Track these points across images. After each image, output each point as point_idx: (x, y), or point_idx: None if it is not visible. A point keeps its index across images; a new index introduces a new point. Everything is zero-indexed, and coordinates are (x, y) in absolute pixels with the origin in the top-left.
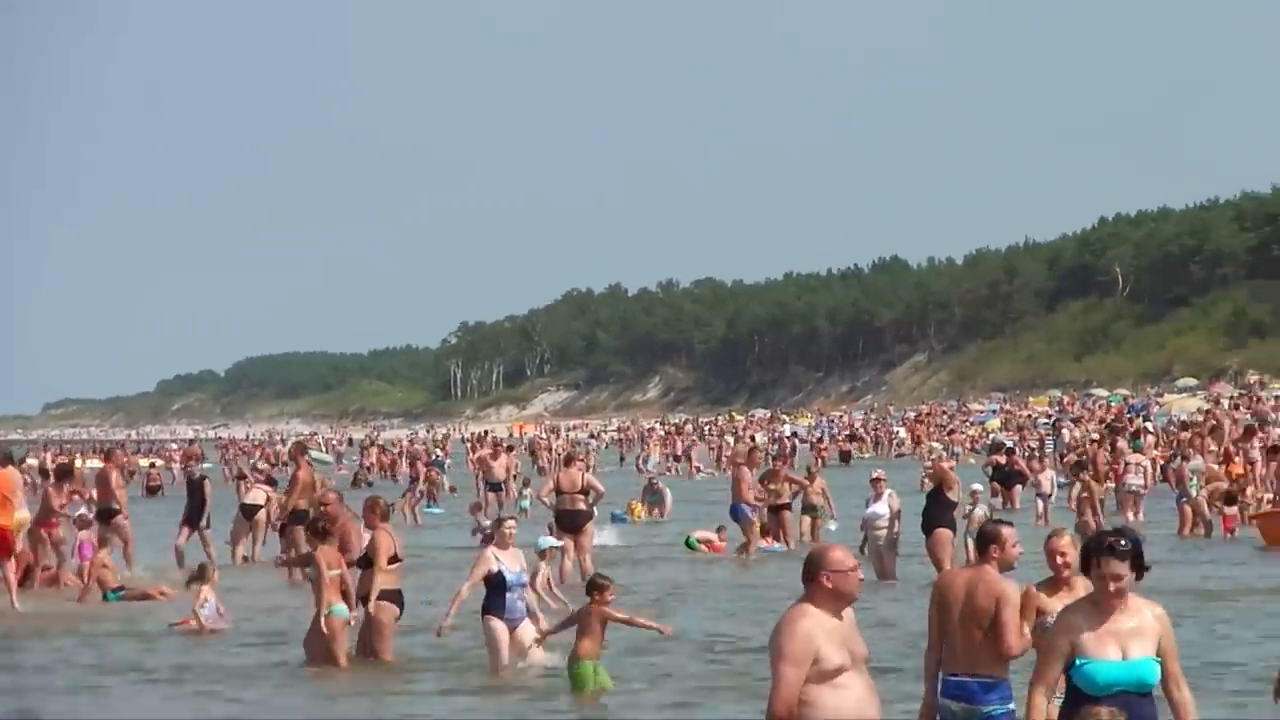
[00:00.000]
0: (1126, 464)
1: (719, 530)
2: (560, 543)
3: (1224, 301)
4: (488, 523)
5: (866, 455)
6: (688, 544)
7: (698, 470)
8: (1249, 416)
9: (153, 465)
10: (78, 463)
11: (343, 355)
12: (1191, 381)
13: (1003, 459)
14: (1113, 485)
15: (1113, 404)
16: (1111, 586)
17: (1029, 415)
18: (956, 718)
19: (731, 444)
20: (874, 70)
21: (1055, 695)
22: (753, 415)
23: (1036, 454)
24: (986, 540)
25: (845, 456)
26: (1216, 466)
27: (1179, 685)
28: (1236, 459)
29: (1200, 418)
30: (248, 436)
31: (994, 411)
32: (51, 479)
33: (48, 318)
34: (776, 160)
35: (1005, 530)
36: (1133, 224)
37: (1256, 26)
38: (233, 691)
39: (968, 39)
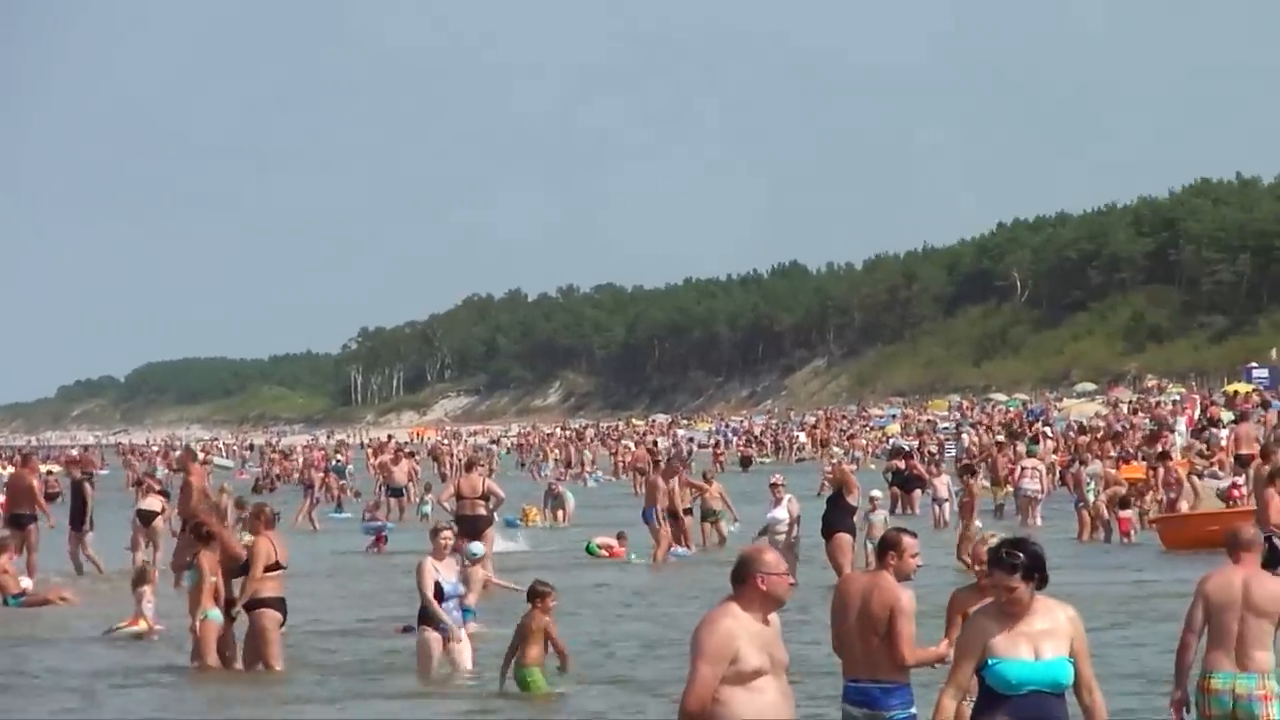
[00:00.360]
0: (1023, 469)
1: (619, 536)
2: (483, 550)
3: (1122, 306)
4: (381, 523)
5: (767, 460)
6: (588, 550)
7: (588, 473)
8: (1148, 421)
9: (50, 472)
10: None
11: (243, 361)
12: (1090, 386)
13: (902, 464)
14: (1012, 490)
15: (1011, 409)
16: (1004, 597)
17: (928, 420)
18: None
19: (631, 449)
20: (770, 76)
21: (969, 697)
22: (653, 420)
23: (935, 459)
24: (886, 547)
25: (745, 462)
26: (1115, 471)
27: (1091, 689)
28: (1140, 463)
29: (1099, 423)
30: (147, 442)
31: (893, 416)
32: None
33: None
34: (675, 166)
35: (907, 539)
36: (1031, 229)
37: (1154, 34)
38: (114, 696)
39: (863, 42)
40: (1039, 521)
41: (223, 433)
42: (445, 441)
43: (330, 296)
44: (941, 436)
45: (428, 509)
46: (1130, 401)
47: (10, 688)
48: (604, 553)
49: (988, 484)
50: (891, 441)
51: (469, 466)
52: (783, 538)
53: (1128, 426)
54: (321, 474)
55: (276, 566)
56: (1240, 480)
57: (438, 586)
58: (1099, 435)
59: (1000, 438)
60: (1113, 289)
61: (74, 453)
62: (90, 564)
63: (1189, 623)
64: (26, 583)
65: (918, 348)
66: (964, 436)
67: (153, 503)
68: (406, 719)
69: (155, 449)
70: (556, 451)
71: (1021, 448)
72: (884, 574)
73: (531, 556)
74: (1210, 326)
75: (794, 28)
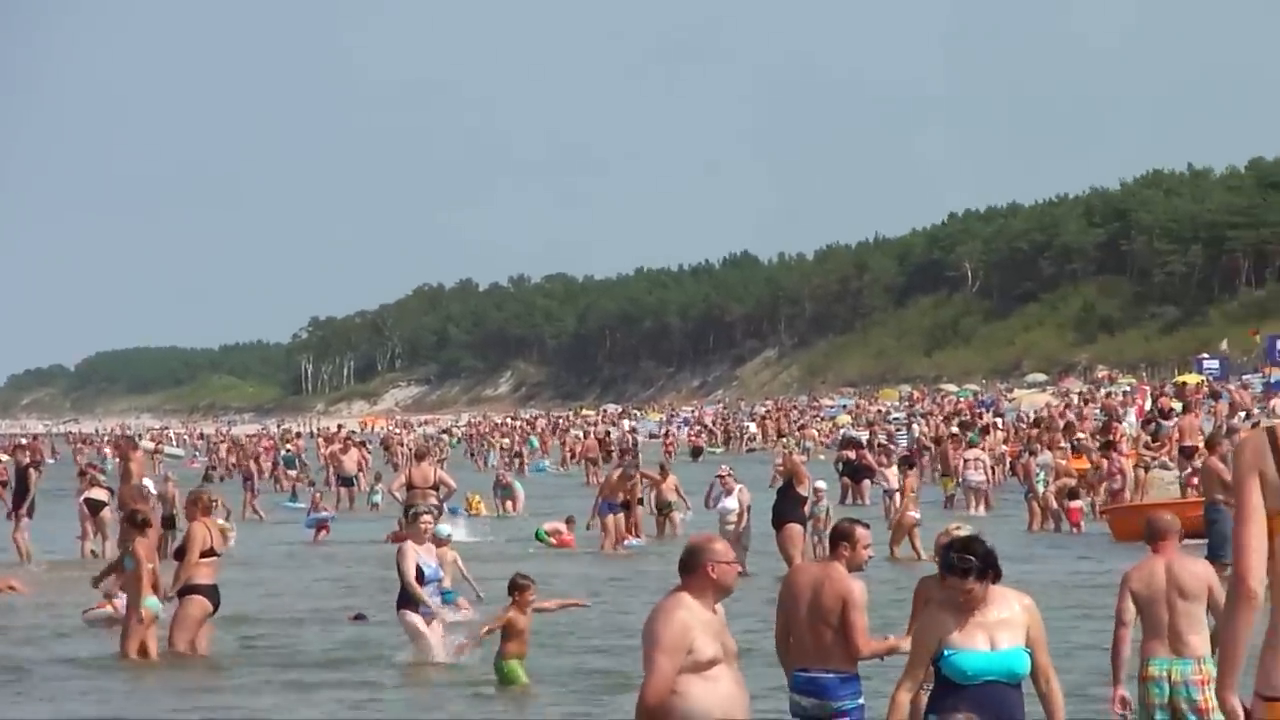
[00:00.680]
0: (966, 460)
1: (568, 521)
2: (450, 531)
3: (1073, 297)
4: (326, 513)
5: (717, 450)
6: (538, 536)
7: (527, 464)
8: (1099, 411)
9: None
10: None
11: (193, 350)
12: (1041, 376)
13: (852, 454)
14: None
15: (962, 399)
16: (961, 598)
17: (879, 410)
18: (807, 712)
19: (582, 439)
20: (719, 66)
21: (925, 685)
22: (604, 410)
23: (886, 450)
24: (839, 538)
25: (696, 452)
26: (1065, 462)
27: (1047, 678)
28: (1095, 454)
29: (1048, 414)
30: (97, 431)
31: (844, 407)
32: None
33: None
34: (627, 156)
35: (860, 530)
36: (982, 220)
37: (1106, 26)
38: (48, 688)
39: (818, 32)
40: (983, 511)
41: (173, 422)
42: (396, 431)
43: (281, 286)
44: (892, 427)
45: (378, 498)
46: (1081, 392)
47: None
48: (553, 540)
49: (934, 476)
50: (842, 432)
51: (421, 456)
52: (733, 528)
53: (1077, 417)
54: (271, 464)
55: (211, 553)
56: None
57: (419, 570)
58: (1049, 426)
59: (954, 429)
60: (1064, 279)
61: (22, 441)
62: (17, 550)
63: (1119, 618)
64: None
65: (869, 338)
66: (914, 427)
67: (99, 493)
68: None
69: (104, 438)
70: (505, 441)
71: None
72: (835, 565)
73: (481, 546)
74: (1161, 317)
75: (746, 22)
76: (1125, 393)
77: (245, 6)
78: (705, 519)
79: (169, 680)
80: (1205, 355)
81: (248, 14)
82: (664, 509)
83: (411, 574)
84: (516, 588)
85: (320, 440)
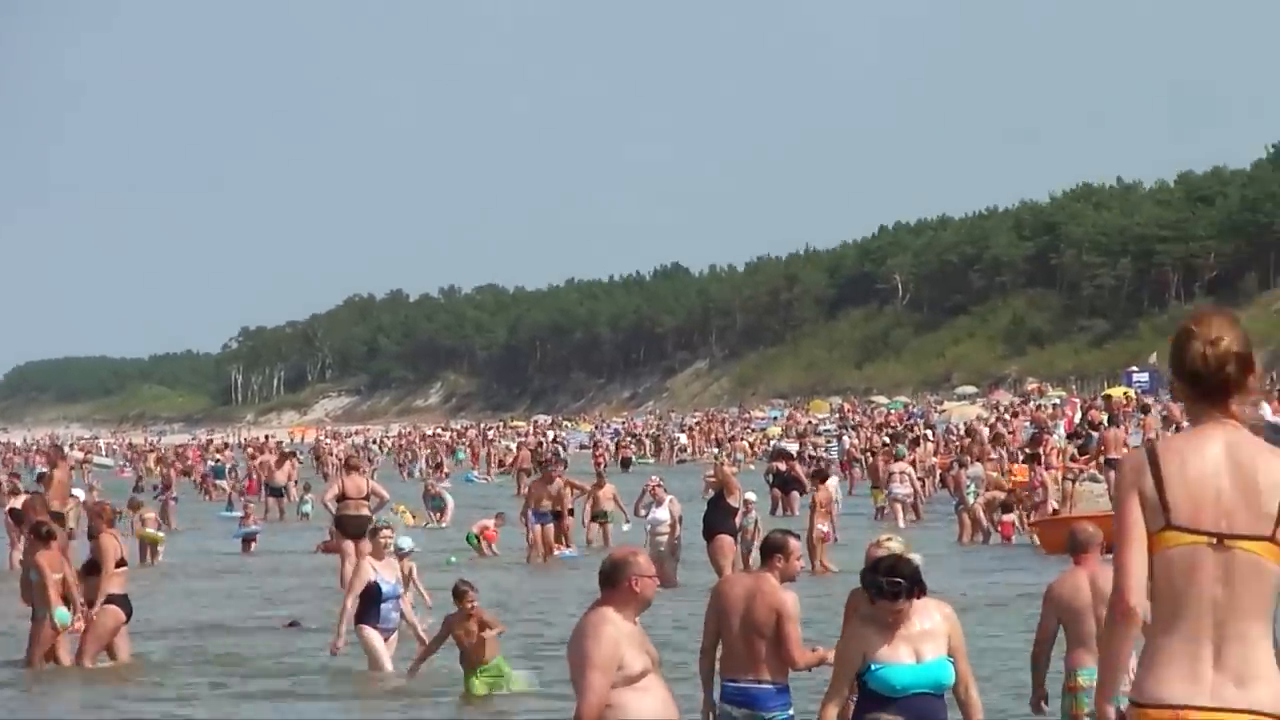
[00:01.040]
0: (893, 473)
1: (497, 517)
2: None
3: (1003, 309)
4: (255, 527)
5: (648, 461)
6: (468, 540)
7: (446, 474)
8: (1029, 424)
9: None
10: None
11: (123, 360)
12: (971, 389)
13: (783, 466)
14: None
15: (893, 411)
16: (890, 618)
17: (810, 422)
18: None
19: (513, 450)
20: (650, 79)
21: (850, 695)
22: (535, 421)
23: (826, 463)
24: (772, 549)
25: (625, 463)
26: (996, 474)
27: (967, 685)
28: (1021, 466)
29: (980, 426)
30: (25, 441)
31: (775, 418)
32: None
33: None
34: (557, 167)
35: (793, 542)
36: (912, 232)
37: (1036, 40)
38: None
39: (746, 46)
40: (909, 523)
41: (103, 432)
42: (327, 441)
43: (211, 295)
44: (822, 439)
45: (308, 508)
46: (1010, 405)
47: None
48: (483, 538)
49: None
50: (773, 443)
51: (353, 467)
52: (665, 539)
53: (1005, 430)
54: (201, 475)
55: (122, 563)
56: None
57: (375, 587)
58: (978, 439)
59: (886, 440)
60: (994, 292)
61: None
62: None
63: (1041, 633)
64: None
65: (799, 350)
66: (845, 439)
67: (20, 501)
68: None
69: (34, 448)
70: (428, 451)
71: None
72: (768, 576)
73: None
74: (1091, 330)
75: (676, 31)
76: (1055, 405)
77: (179, 15)
78: (643, 530)
79: (97, 689)
80: (1135, 368)
81: (180, 23)
82: (600, 518)
83: (356, 590)
84: (457, 594)
85: (251, 450)
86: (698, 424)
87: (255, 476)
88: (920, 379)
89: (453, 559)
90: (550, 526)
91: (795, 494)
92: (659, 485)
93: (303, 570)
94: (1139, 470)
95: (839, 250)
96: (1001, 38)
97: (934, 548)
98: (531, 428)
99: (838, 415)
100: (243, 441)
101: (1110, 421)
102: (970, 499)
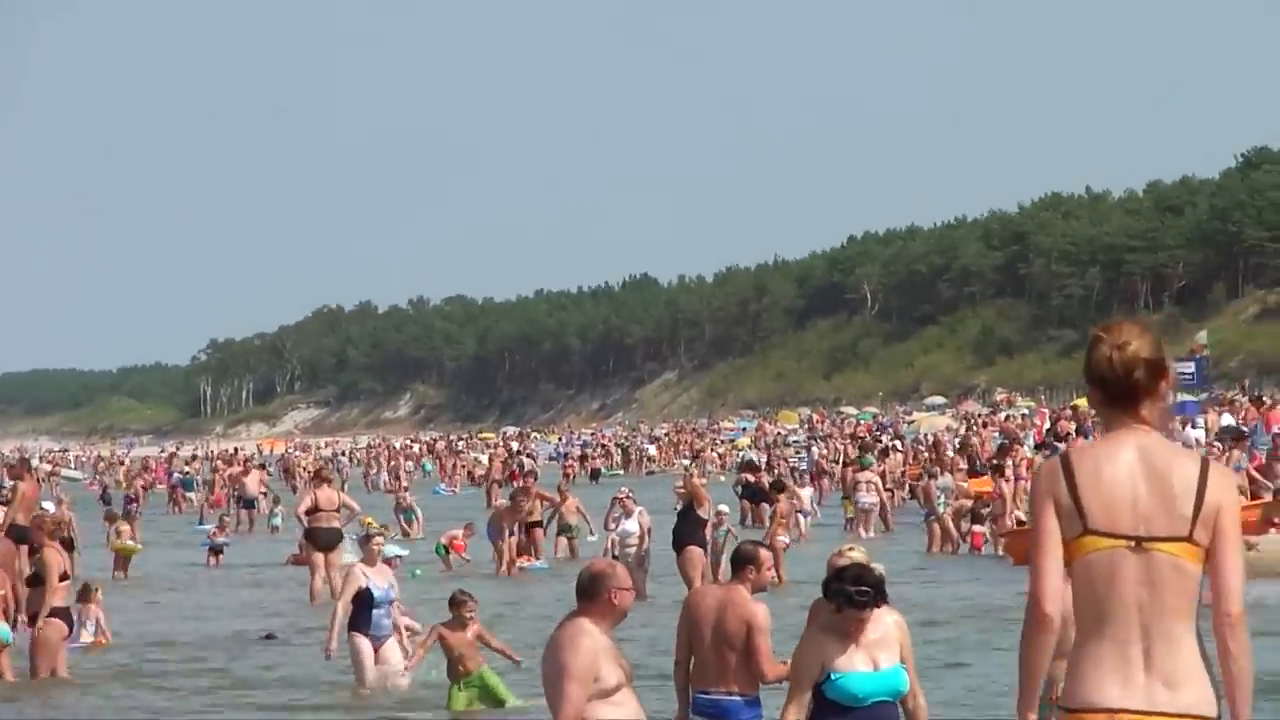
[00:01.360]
0: (859, 483)
1: (465, 527)
2: (405, 551)
3: (972, 320)
4: (223, 539)
5: (618, 473)
6: (437, 551)
7: (405, 489)
8: (997, 434)
9: None
10: None
11: (92, 372)
12: (940, 399)
13: (752, 477)
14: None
15: (862, 421)
16: (852, 626)
17: (779, 433)
18: None
19: (485, 463)
20: (619, 91)
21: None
22: (504, 432)
23: (800, 473)
24: (744, 561)
25: (595, 474)
26: (965, 484)
27: (914, 692)
28: (991, 477)
29: (943, 438)
30: None
31: (744, 429)
32: None
33: None
34: (526, 178)
35: (764, 553)
36: (881, 242)
37: (1003, 49)
38: None
39: (714, 57)
40: (872, 533)
41: (72, 444)
42: (296, 453)
43: (180, 308)
44: (791, 450)
45: (277, 520)
46: (979, 415)
47: None
48: (453, 547)
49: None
50: (741, 454)
51: (324, 479)
52: (634, 550)
53: (975, 440)
54: (171, 487)
55: (64, 577)
56: None
57: (368, 593)
58: (941, 452)
59: (857, 453)
60: (962, 302)
61: None
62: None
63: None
64: None
65: (768, 360)
66: (814, 449)
67: None
68: None
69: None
70: (392, 464)
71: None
72: (739, 588)
73: None
74: (1060, 340)
75: (641, 44)
76: (1024, 416)
77: (140, 23)
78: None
79: (70, 703)
80: None
81: (144, 32)
82: (566, 531)
83: (347, 597)
84: (456, 604)
85: (219, 462)
86: (666, 435)
87: (221, 489)
88: (889, 389)
89: (418, 571)
90: (514, 539)
91: (765, 505)
92: (628, 497)
93: (274, 583)
94: (1053, 478)
95: (808, 261)
96: (969, 48)
97: (904, 558)
98: (500, 439)
99: (807, 426)
100: (210, 454)
101: (1079, 432)
102: (940, 509)
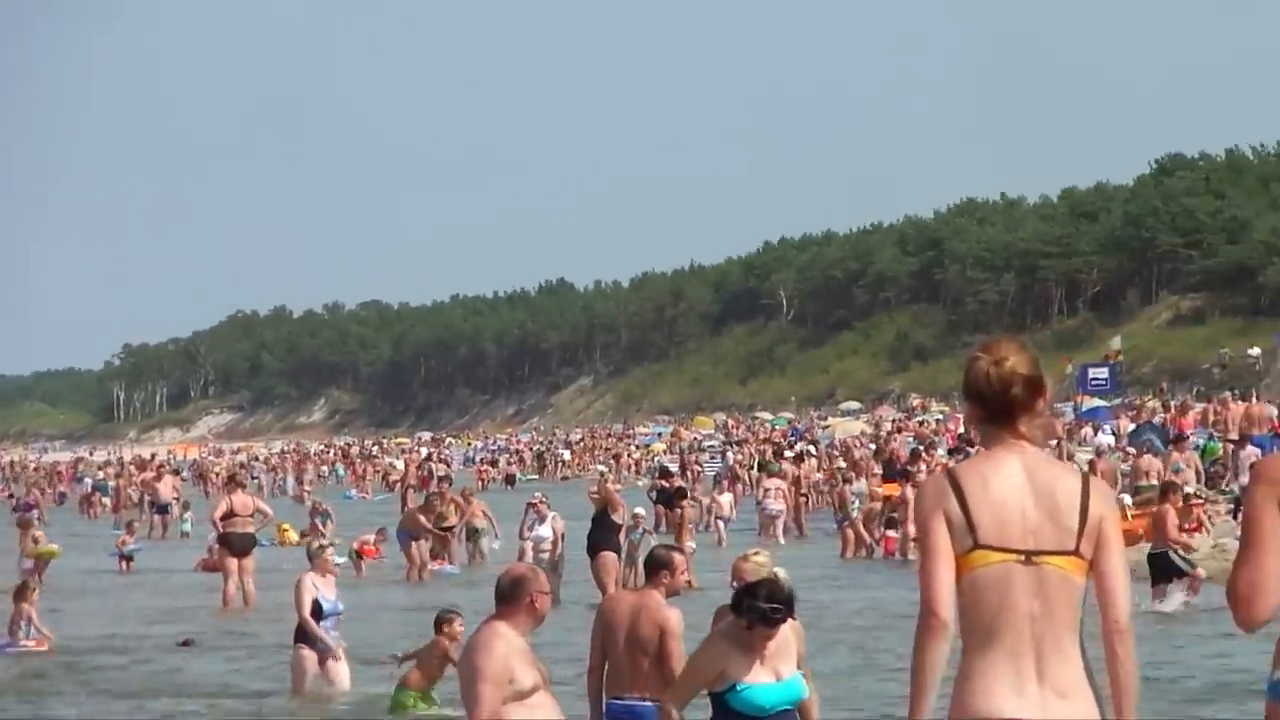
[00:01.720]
0: (766, 489)
1: (378, 532)
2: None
3: (887, 325)
4: (132, 545)
5: (532, 478)
6: (349, 556)
7: (307, 492)
8: (911, 439)
9: None
10: None
11: (4, 377)
12: (855, 405)
13: (667, 482)
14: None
15: (777, 427)
16: (760, 643)
17: (695, 438)
18: None
19: (400, 467)
20: (534, 91)
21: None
22: (418, 438)
23: (726, 476)
24: (659, 565)
25: (510, 480)
26: (880, 489)
27: (809, 700)
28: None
29: (854, 445)
30: None
31: (659, 434)
32: None
33: None
34: (441, 182)
35: (678, 557)
36: (797, 248)
37: (919, 56)
38: None
39: (628, 63)
40: (780, 539)
41: None
42: (210, 459)
43: (93, 312)
44: (705, 455)
45: (187, 526)
46: (894, 420)
47: None
48: (362, 553)
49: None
50: (656, 460)
51: (239, 484)
52: (547, 555)
53: (893, 444)
54: (83, 494)
55: None
56: None
57: (316, 604)
58: (852, 458)
59: (758, 460)
60: (878, 308)
61: None
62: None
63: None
64: None
65: (684, 366)
66: (729, 455)
67: None
68: None
69: None
70: (298, 469)
71: (787, 467)
72: (653, 593)
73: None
74: (974, 346)
75: (550, 47)
76: (938, 421)
77: (57, 25)
78: (514, 546)
79: None
80: None
81: (57, 35)
82: (472, 535)
83: (307, 608)
84: (443, 620)
85: (132, 467)
86: (581, 441)
87: (127, 494)
88: (805, 395)
89: None
90: (422, 543)
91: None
92: (542, 502)
93: (187, 588)
94: (941, 493)
95: (724, 266)
96: (882, 55)
97: (818, 564)
98: (415, 444)
99: (722, 431)
100: (123, 459)
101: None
102: (854, 514)
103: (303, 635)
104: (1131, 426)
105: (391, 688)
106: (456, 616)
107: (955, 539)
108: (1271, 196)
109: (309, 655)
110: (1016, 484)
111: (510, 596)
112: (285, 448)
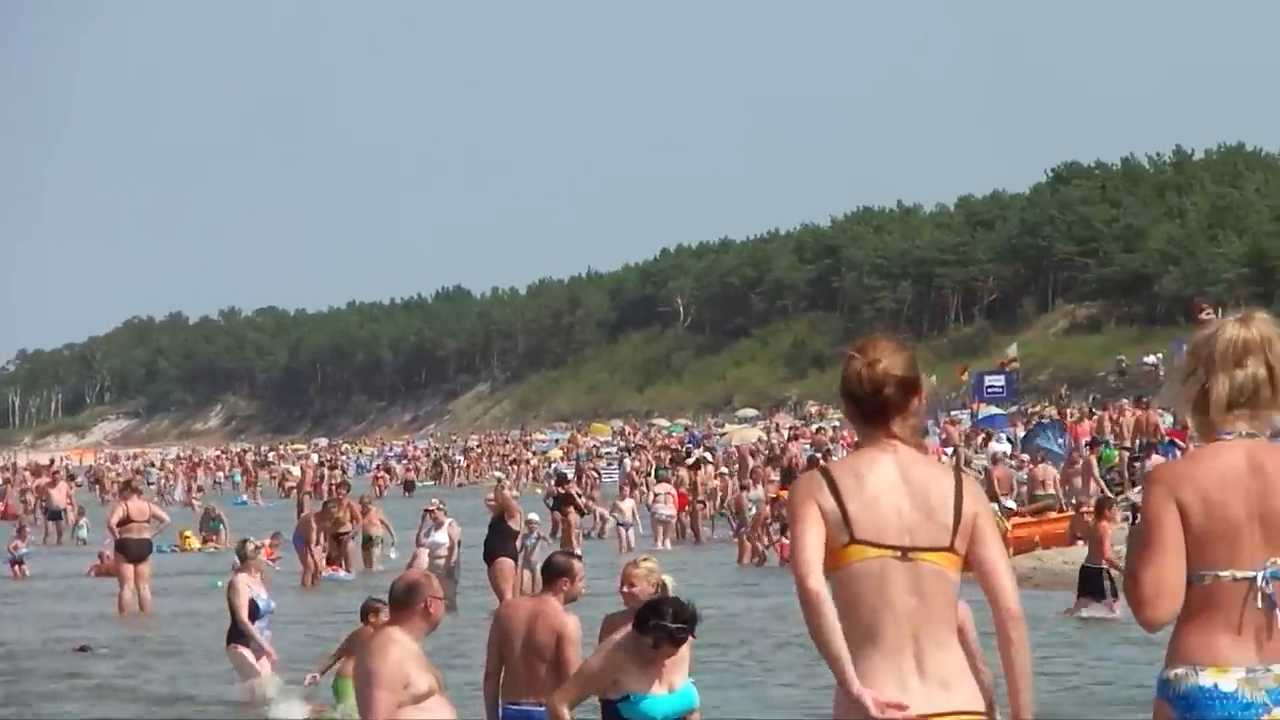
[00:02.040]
0: (656, 495)
1: (272, 537)
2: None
3: (784, 333)
4: (24, 549)
5: (428, 484)
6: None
7: (195, 499)
8: (808, 446)
9: None
10: None
11: None
12: (752, 412)
13: (563, 489)
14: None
15: (674, 434)
16: (660, 659)
17: (592, 445)
18: None
19: (297, 473)
20: (430, 98)
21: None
22: (315, 444)
23: (633, 483)
24: (558, 572)
25: (409, 486)
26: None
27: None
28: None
29: (746, 452)
30: None
31: (556, 441)
32: None
33: None
34: (337, 189)
35: (577, 564)
36: (694, 255)
37: (814, 64)
38: None
39: (525, 70)
40: (669, 545)
41: None
42: (106, 465)
43: None
44: (603, 462)
45: (83, 533)
46: (791, 427)
47: None
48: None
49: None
50: (553, 467)
51: (135, 490)
52: (443, 561)
53: (781, 451)
54: None
55: None
56: None
57: (253, 604)
58: (746, 465)
59: (652, 467)
60: (775, 315)
61: None
62: None
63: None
64: None
65: (581, 373)
66: (626, 462)
67: None
68: None
69: None
70: (189, 475)
71: (684, 473)
72: (550, 600)
73: (194, 579)
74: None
75: (449, 52)
76: (835, 428)
77: None
78: (410, 552)
79: None
80: None
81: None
82: (368, 542)
83: (244, 609)
84: (371, 610)
85: (26, 473)
86: (478, 447)
87: (14, 499)
88: (701, 401)
89: (219, 582)
90: (317, 549)
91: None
92: (439, 508)
93: (82, 594)
94: (816, 488)
95: (621, 273)
96: (780, 64)
97: (715, 570)
98: (311, 450)
99: (619, 438)
100: (16, 464)
101: None
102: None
103: (236, 635)
104: (1023, 432)
105: (327, 693)
106: (383, 606)
107: (830, 532)
108: (1167, 205)
109: (246, 651)
110: (891, 482)
111: (405, 602)
112: (180, 454)
